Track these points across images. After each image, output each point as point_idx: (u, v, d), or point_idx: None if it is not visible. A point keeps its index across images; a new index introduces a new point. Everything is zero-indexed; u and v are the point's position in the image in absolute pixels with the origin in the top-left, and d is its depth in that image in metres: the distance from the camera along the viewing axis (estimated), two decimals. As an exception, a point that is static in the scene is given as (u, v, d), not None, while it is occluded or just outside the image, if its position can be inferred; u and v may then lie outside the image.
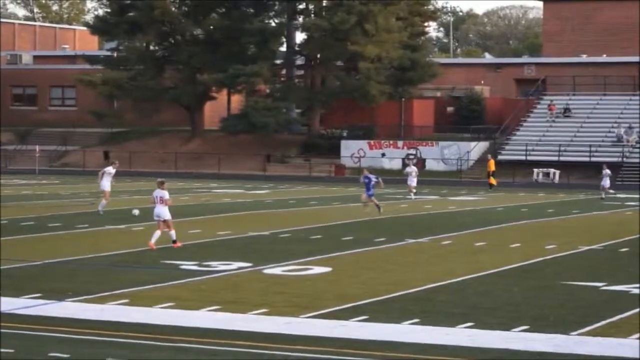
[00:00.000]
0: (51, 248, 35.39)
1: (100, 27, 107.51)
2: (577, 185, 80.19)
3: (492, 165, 77.70)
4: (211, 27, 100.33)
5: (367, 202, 51.50)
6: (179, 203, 58.05)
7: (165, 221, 36.48)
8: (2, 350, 20.35)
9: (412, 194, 64.40)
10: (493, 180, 76.39)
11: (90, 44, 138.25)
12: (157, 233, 36.30)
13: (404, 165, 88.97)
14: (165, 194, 36.84)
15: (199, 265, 32.40)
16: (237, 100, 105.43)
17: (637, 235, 42.91)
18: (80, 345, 20.92)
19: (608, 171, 66.49)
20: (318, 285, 28.87)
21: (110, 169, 52.65)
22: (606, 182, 65.78)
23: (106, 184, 51.44)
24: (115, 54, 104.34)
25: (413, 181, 64.53)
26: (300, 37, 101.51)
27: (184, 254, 35.08)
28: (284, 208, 55.49)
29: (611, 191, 66.35)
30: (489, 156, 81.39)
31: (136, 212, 37.33)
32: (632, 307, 25.81)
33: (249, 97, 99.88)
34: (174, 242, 36.44)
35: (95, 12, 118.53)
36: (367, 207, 51.19)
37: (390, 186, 76.60)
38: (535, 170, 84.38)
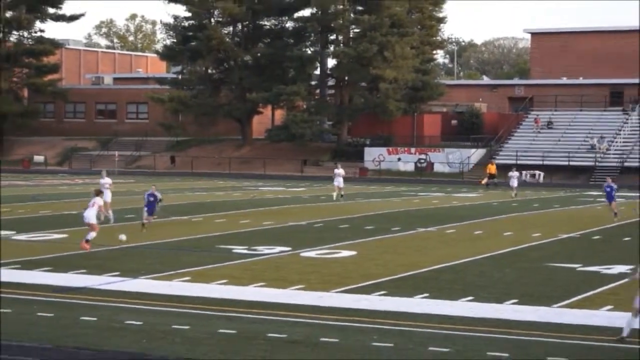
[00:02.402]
0: (127, 235, 35.46)
1: (167, 54, 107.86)
2: (558, 184, 79.88)
3: (492, 169, 77.35)
4: (258, 54, 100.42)
5: (148, 221, 38.27)
6: (232, 198, 58.25)
7: (91, 224, 32.02)
8: (86, 318, 20.49)
9: (337, 193, 57.77)
10: (483, 181, 75.78)
11: (159, 68, 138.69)
12: (92, 234, 31.83)
13: (417, 168, 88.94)
14: (100, 201, 32.65)
15: (248, 249, 32.46)
16: (279, 114, 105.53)
17: (607, 226, 42.85)
18: (151, 315, 21.01)
19: (516, 173, 64.40)
20: (345, 266, 28.87)
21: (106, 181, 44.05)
22: (514, 183, 62.59)
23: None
24: (180, 77, 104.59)
25: (340, 182, 58.17)
26: (331, 62, 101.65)
27: (236, 240, 35.14)
28: (318, 203, 55.48)
29: (514, 192, 61.98)
30: (492, 161, 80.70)
31: (123, 237, 32.41)
32: (603, 285, 25.77)
33: (289, 112, 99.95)
34: (87, 241, 31.59)
35: (164, 42, 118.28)
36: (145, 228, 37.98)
37: (404, 184, 76.62)
38: (524, 172, 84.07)
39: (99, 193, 33.08)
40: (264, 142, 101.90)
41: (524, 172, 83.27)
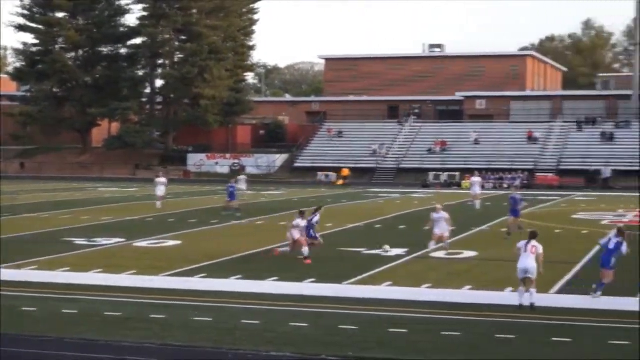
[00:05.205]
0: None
1: (17, 75, 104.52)
2: (346, 183, 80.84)
3: (346, 172, 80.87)
4: (97, 75, 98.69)
5: None
6: (74, 198, 56.90)
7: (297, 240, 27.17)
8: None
9: (158, 203, 47.78)
10: (341, 181, 79.48)
11: (10, 87, 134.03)
12: (305, 249, 26.97)
13: (231, 170, 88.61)
14: (301, 223, 27.71)
15: (88, 241, 31.79)
16: (115, 126, 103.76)
17: (387, 217, 43.69)
18: (2, 299, 20.26)
19: (244, 176, 56.43)
20: (172, 253, 28.59)
21: None
22: (243, 186, 54.67)
23: None
24: (28, 94, 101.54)
25: (162, 190, 48.61)
26: (159, 82, 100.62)
27: (78, 233, 34.34)
28: (149, 200, 54.66)
29: (246, 192, 53.30)
30: (344, 167, 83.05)
31: (387, 247, 28.91)
32: (383, 265, 26.25)
33: (124, 124, 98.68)
34: (306, 258, 26.67)
35: (15, 65, 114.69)
36: None
37: (221, 185, 76.28)
38: (319, 173, 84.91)
39: (301, 213, 28.31)
40: (101, 149, 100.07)
41: (319, 173, 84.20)
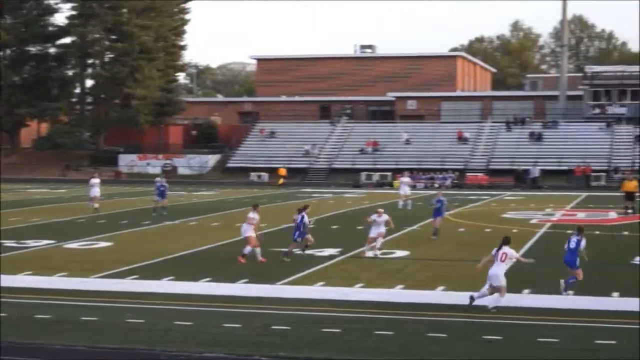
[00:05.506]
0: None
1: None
2: (285, 183, 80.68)
3: (283, 172, 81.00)
4: (25, 75, 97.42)
5: None
6: (2, 199, 55.96)
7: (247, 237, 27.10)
8: None
9: (94, 205, 45.51)
10: (281, 181, 79.36)
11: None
12: (248, 248, 27.07)
13: (163, 171, 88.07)
14: (254, 216, 27.49)
15: (17, 243, 31.33)
16: (44, 126, 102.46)
17: (321, 216, 43.76)
18: None
19: (161, 180, 48.44)
20: (103, 255, 28.34)
21: None
22: (163, 195, 46.14)
23: None
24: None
25: (97, 192, 46.09)
26: (89, 82, 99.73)
27: (6, 235, 33.78)
28: (79, 202, 53.99)
29: (161, 203, 45.49)
30: (281, 167, 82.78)
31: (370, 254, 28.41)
32: (316, 265, 26.32)
33: (53, 125, 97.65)
34: (243, 255, 26.95)
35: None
36: None
37: (153, 185, 75.72)
38: (252, 173, 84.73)
39: (255, 207, 28.00)
40: (30, 150, 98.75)
41: (252, 174, 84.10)
